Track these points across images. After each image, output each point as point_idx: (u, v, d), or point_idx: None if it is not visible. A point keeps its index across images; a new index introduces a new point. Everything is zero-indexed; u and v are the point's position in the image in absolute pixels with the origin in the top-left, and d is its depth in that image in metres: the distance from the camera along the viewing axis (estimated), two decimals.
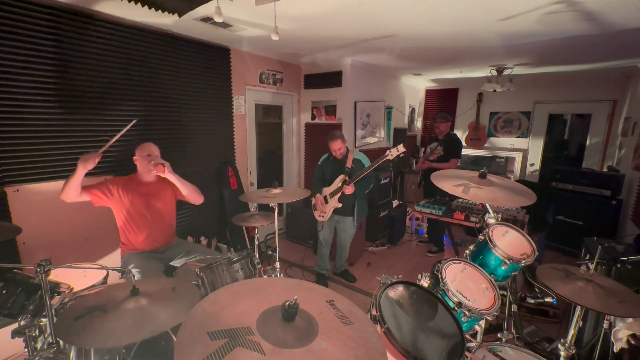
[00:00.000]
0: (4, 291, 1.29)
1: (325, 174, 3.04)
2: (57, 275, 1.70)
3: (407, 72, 4.96)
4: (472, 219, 3.02)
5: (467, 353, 1.12)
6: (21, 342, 1.25)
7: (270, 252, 2.55)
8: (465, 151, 5.91)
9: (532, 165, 5.62)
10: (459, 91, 6.16)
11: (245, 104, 3.72)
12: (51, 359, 1.16)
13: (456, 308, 1.25)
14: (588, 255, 2.36)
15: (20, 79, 2.09)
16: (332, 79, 4.20)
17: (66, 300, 1.32)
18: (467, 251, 1.63)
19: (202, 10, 2.29)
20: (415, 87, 6.26)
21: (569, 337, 1.34)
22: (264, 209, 3.52)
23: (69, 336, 0.99)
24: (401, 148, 2.62)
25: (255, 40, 3.20)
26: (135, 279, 1.91)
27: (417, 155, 6.40)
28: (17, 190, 2.14)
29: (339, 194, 2.87)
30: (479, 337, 1.53)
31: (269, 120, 4.39)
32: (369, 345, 0.78)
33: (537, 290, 1.58)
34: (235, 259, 1.68)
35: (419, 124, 6.72)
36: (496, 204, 1.55)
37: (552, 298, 1.49)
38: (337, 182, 2.90)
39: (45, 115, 2.22)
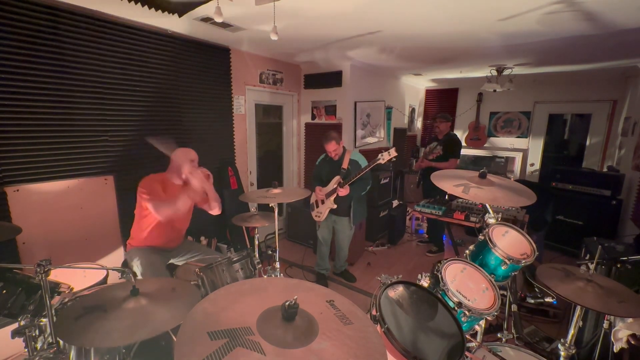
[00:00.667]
0: (4, 291, 1.29)
1: (322, 174, 3.05)
2: (57, 275, 1.70)
3: (407, 72, 4.96)
4: (472, 219, 3.02)
5: (467, 353, 1.12)
6: (21, 342, 1.25)
7: (270, 252, 2.55)
8: (465, 151, 5.91)
9: (532, 165, 5.62)
10: (459, 91, 6.15)
11: (245, 104, 3.72)
12: (51, 359, 1.16)
13: (456, 308, 1.25)
14: (588, 255, 2.36)
15: (20, 79, 2.09)
16: (332, 79, 4.20)
17: (66, 300, 1.32)
18: (467, 251, 1.63)
19: (202, 10, 2.29)
20: (415, 87, 6.26)
21: (569, 337, 1.34)
22: (264, 209, 3.52)
23: (69, 336, 0.99)
24: (393, 152, 2.58)
25: (255, 40, 3.20)
26: (140, 271, 1.94)
27: (417, 155, 6.40)
28: (17, 190, 2.13)
29: (334, 195, 2.87)
30: (479, 337, 1.53)
31: (269, 120, 4.39)
32: (369, 345, 0.78)
33: (537, 290, 1.58)
34: (235, 259, 1.68)
35: (419, 124, 6.72)
36: (496, 204, 1.55)
37: (552, 298, 1.49)
38: (333, 184, 2.90)
39: (45, 115, 2.22)
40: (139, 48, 2.65)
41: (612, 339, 1.51)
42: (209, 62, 3.23)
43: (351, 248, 3.33)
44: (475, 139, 5.98)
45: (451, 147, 3.85)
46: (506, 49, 3.27)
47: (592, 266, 1.66)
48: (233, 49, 3.45)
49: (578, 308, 1.28)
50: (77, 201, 2.41)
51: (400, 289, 1.23)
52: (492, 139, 5.94)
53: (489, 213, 1.76)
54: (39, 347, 1.29)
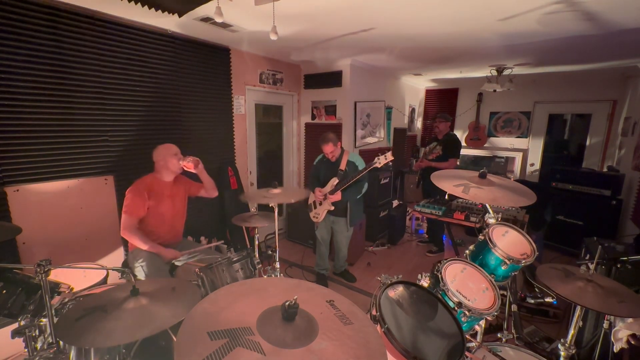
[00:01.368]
0: (4, 291, 1.29)
1: (319, 175, 3.05)
2: (57, 275, 1.70)
3: (407, 72, 4.96)
4: (472, 219, 3.02)
5: (467, 353, 1.12)
6: (21, 342, 1.25)
7: (270, 252, 2.55)
8: (465, 151, 5.91)
9: (532, 165, 5.62)
10: (459, 91, 6.15)
11: (245, 104, 3.72)
12: (51, 359, 1.16)
13: (456, 308, 1.25)
14: (588, 255, 2.36)
15: (20, 79, 2.09)
16: (332, 79, 4.20)
17: (66, 300, 1.32)
18: (467, 251, 1.63)
19: (202, 10, 2.29)
20: (415, 87, 6.26)
21: (569, 337, 1.34)
22: (264, 209, 3.52)
23: (69, 336, 0.99)
24: (389, 156, 2.56)
25: (255, 40, 3.19)
26: (145, 272, 1.96)
27: (417, 155, 6.40)
28: (17, 190, 2.13)
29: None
30: (479, 337, 1.53)
31: (269, 120, 4.39)
32: (369, 345, 0.78)
33: (537, 290, 1.58)
34: (235, 259, 1.68)
35: (419, 124, 6.72)
36: (496, 204, 1.55)
37: (552, 298, 1.48)
38: (330, 185, 2.89)
39: (45, 115, 2.22)
40: (139, 48, 2.65)
41: (612, 339, 1.51)
42: (209, 62, 3.23)
43: (351, 248, 3.33)
44: (475, 139, 5.98)
45: (451, 147, 3.85)
46: (506, 49, 3.27)
47: (592, 266, 1.66)
48: (233, 49, 3.45)
49: (578, 308, 1.28)
50: (77, 201, 2.41)
51: (400, 289, 1.23)
52: (492, 139, 5.94)
53: (489, 213, 1.76)
54: (39, 347, 1.29)
